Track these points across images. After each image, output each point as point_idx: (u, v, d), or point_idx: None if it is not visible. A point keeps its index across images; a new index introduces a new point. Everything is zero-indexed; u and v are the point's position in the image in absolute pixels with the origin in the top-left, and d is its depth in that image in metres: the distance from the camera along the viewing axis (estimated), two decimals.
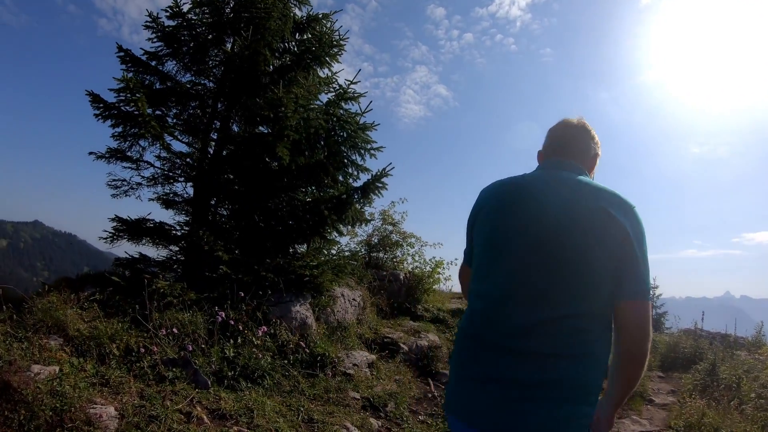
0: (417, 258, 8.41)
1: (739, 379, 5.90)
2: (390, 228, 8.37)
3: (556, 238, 1.22)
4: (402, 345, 5.67)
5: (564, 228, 1.22)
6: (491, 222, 1.37)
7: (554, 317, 1.20)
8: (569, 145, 1.45)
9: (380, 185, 5.41)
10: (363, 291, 6.42)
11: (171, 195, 5.58)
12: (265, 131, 5.54)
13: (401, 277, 7.49)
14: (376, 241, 8.52)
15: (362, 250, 8.55)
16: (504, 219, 1.34)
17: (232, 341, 4.05)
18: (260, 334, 4.29)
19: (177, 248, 5.27)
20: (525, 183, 1.38)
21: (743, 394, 5.56)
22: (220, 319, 4.07)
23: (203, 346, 3.88)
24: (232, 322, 4.17)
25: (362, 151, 5.46)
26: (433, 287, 8.12)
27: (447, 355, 5.99)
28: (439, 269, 8.25)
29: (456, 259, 8.28)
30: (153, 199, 5.56)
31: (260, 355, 4.06)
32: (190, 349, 3.68)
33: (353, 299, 5.96)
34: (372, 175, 5.48)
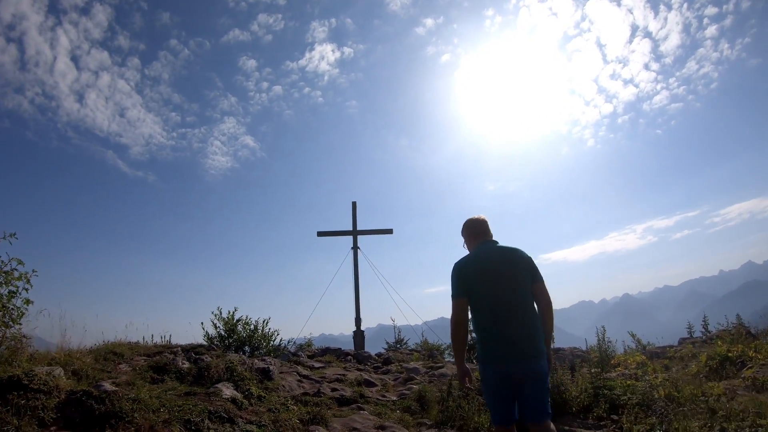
0: None
1: None
2: None
3: (512, 275, 3.15)
4: None
5: (512, 270, 3.17)
6: (479, 275, 3.19)
7: (524, 305, 3.12)
8: (487, 232, 3.42)
9: None
10: None
11: None
12: None
13: None
14: None
15: None
16: (485, 272, 3.19)
17: None
18: None
19: None
20: (485, 253, 3.28)
21: None
22: None
23: None
24: None
25: None
26: None
27: None
28: None
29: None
30: None
31: None
32: None
33: None
34: None
